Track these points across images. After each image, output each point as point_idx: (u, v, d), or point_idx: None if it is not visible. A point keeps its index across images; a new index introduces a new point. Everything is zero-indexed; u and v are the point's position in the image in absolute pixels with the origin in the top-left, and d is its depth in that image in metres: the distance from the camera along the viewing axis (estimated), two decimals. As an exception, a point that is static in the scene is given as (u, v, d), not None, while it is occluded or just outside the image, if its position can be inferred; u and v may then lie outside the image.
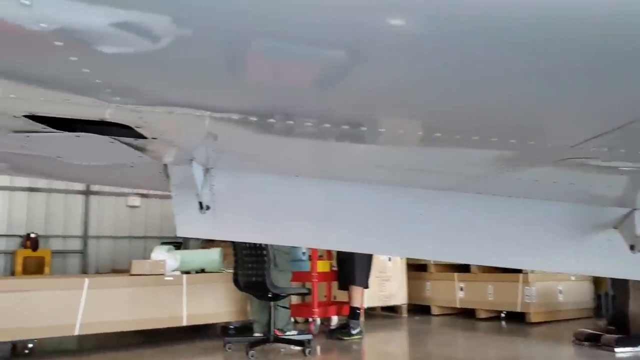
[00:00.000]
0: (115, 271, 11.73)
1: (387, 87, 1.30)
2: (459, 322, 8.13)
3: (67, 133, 1.54)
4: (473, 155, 1.69)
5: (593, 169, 1.75)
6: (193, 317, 6.38)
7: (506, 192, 2.23)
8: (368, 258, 6.79)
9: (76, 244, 12.74)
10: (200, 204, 1.90)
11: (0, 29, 0.91)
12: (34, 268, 11.43)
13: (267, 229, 2.31)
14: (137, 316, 6.02)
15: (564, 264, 2.45)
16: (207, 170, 1.93)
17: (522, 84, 1.16)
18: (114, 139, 1.59)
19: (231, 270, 7.01)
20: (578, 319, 7.86)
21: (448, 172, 1.99)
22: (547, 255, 2.40)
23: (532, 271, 7.57)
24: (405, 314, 8.74)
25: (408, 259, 8.92)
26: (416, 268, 9.21)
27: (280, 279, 6.03)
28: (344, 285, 6.88)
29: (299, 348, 5.59)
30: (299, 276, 7.07)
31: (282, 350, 5.82)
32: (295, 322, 7.45)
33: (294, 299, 7.47)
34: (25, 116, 1.43)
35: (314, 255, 6.96)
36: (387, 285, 8.51)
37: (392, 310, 8.88)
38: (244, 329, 6.88)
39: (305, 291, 6.35)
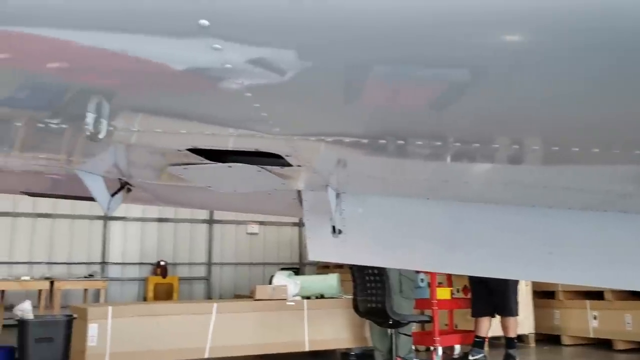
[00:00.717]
0: (238, 296, 12.19)
1: (520, 103, 1.27)
2: (594, 354, 7.54)
3: (221, 164, 1.65)
4: (622, 170, 1.59)
5: None
6: (314, 342, 6.45)
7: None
8: (516, 284, 6.63)
9: (201, 271, 13.42)
10: (334, 228, 1.94)
11: (189, 70, 1.02)
12: (164, 294, 12.17)
13: (395, 253, 2.31)
14: (261, 340, 6.19)
15: None
16: (338, 195, 1.98)
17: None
18: (262, 168, 1.69)
19: (350, 296, 7.04)
20: None
21: (589, 190, 1.88)
22: None
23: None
24: (532, 344, 8.26)
25: (534, 286, 8.46)
26: (543, 295, 8.70)
27: (405, 306, 5.97)
28: (481, 313, 6.67)
29: (422, 376, 5.45)
30: (418, 303, 6.94)
31: (404, 378, 5.71)
32: (416, 350, 7.29)
33: (414, 327, 7.33)
34: (187, 150, 1.56)
35: (433, 282, 6.81)
36: (512, 313, 8.09)
37: (518, 339, 8.43)
38: (365, 356, 6.83)
39: (426, 318, 6.22)
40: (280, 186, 1.91)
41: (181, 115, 1.35)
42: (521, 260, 2.42)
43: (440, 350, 6.66)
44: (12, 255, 11.38)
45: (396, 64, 1.06)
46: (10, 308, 9.99)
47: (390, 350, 6.27)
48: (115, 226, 12.53)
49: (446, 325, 7.58)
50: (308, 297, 6.75)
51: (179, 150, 1.58)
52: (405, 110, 1.26)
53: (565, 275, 2.58)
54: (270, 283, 7.52)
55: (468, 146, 1.51)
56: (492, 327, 6.88)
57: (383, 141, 1.41)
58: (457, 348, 7.27)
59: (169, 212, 13.08)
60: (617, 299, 7.65)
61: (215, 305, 6.11)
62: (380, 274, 5.58)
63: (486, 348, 6.86)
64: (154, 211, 12.85)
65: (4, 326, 8.44)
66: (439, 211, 2.18)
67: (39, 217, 11.68)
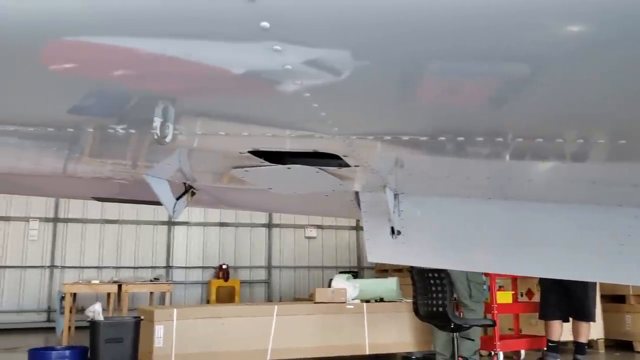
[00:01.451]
0: (298, 299, 12.29)
1: (586, 97, 1.23)
2: (671, 362, 7.15)
3: (280, 166, 1.69)
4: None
5: None
6: (375, 346, 6.42)
7: None
8: (595, 287, 6.40)
9: (261, 274, 13.62)
10: (392, 229, 1.93)
11: (250, 73, 1.05)
12: (226, 297, 12.41)
13: (456, 254, 2.27)
14: (321, 343, 6.22)
15: None
16: (396, 196, 1.97)
17: None
18: (320, 169, 1.71)
19: (409, 300, 6.97)
20: None
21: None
22: None
23: None
24: (602, 350, 7.92)
25: (603, 289, 8.12)
26: (613, 299, 8.33)
27: (477, 310, 5.88)
28: (552, 316, 6.46)
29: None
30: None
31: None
32: (480, 355, 7.13)
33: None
34: (249, 152, 1.60)
35: (493, 285, 6.64)
36: (579, 317, 7.79)
37: (587, 345, 8.09)
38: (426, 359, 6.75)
39: (490, 322, 6.07)
40: (338, 187, 1.92)
41: (243, 117, 1.38)
42: (589, 260, 2.34)
43: (501, 356, 6.49)
44: (83, 260, 11.91)
45: (456, 59, 1.05)
46: (81, 310, 10.46)
47: (453, 355, 6.16)
48: (178, 231, 12.90)
49: (509, 329, 7.37)
50: (367, 301, 6.73)
51: (240, 153, 1.62)
52: (465, 106, 1.25)
53: (636, 276, 2.47)
54: (329, 286, 7.56)
55: (532, 142, 1.48)
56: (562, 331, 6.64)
57: (442, 139, 1.39)
58: (523, 353, 7.06)
59: (229, 216, 13.36)
60: (695, 304, 7.24)
61: (275, 307, 6.18)
62: (441, 277, 5.49)
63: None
64: (215, 216, 13.15)
65: (76, 327, 8.83)
66: (502, 211, 2.14)
67: (106, 223, 12.17)
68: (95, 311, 4.62)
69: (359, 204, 2.10)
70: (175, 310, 5.78)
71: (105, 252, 12.12)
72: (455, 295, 5.90)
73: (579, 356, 6.26)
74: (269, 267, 13.67)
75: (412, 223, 2.01)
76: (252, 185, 2.01)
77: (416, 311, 5.83)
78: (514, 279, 7.41)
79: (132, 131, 1.48)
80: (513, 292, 7.06)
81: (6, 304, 11.21)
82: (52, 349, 4.71)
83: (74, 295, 8.52)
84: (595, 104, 1.26)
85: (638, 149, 1.50)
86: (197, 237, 13.11)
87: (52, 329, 10.62)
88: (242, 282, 12.97)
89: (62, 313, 9.10)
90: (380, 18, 0.88)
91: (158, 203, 2.98)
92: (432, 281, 5.58)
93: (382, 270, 13.11)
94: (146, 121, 1.28)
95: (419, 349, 6.67)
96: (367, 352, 6.36)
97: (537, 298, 7.27)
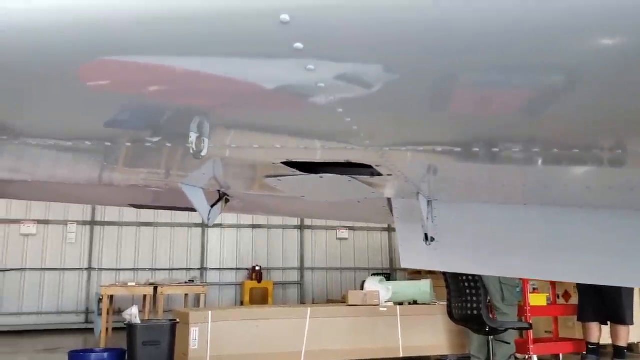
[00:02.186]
0: (331, 301, 12.30)
1: (621, 105, 1.21)
2: None
3: (313, 175, 1.70)
4: None
5: None
6: (408, 348, 6.39)
7: None
8: (631, 290, 6.25)
9: (294, 276, 13.67)
10: (426, 235, 1.92)
11: (285, 89, 1.06)
12: (259, 298, 12.50)
13: (491, 260, 2.25)
14: (355, 345, 6.21)
15: None
16: (429, 203, 1.97)
17: None
18: (353, 177, 1.72)
19: (443, 302, 6.91)
20: None
21: None
22: None
23: None
24: (644, 353, 7.71)
25: (643, 291, 7.90)
26: (654, 301, 8.09)
27: (509, 313, 5.80)
28: (590, 317, 6.33)
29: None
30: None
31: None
32: (516, 359, 7.02)
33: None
34: (282, 163, 1.62)
35: (526, 288, 6.53)
36: (619, 319, 7.60)
37: (627, 349, 7.89)
38: (463, 363, 6.68)
39: (525, 325, 5.98)
40: (370, 195, 1.92)
41: (277, 131, 1.40)
42: (626, 266, 2.29)
43: (535, 359, 6.38)
44: (119, 262, 12.16)
45: (490, 70, 1.04)
46: (118, 312, 10.67)
47: (488, 359, 6.09)
48: (212, 233, 13.05)
49: (546, 332, 7.24)
50: (401, 303, 6.70)
51: (274, 164, 1.64)
52: (499, 117, 1.24)
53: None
54: (361, 288, 7.54)
55: (569, 151, 1.46)
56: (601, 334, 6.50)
57: (477, 149, 1.38)
58: (562, 357, 6.93)
59: (262, 218, 13.45)
60: None
61: (309, 310, 6.21)
62: (475, 280, 5.44)
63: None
64: (248, 218, 13.26)
65: (114, 329, 9.02)
66: (538, 216, 2.11)
67: (142, 226, 12.40)
68: (132, 314, 4.71)
69: (391, 210, 2.10)
70: (210, 312, 5.85)
71: (141, 254, 12.35)
72: (488, 299, 5.83)
73: None
74: (301, 269, 13.72)
75: (446, 229, 2.00)
76: (284, 193, 2.03)
77: (450, 314, 5.78)
78: (552, 281, 7.28)
79: (169, 144, 1.51)
80: (548, 294, 6.93)
81: (46, 306, 11.52)
82: (91, 351, 4.82)
83: (111, 297, 8.70)
84: (631, 113, 1.23)
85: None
86: (231, 239, 13.25)
87: (91, 330, 10.86)
88: (275, 284, 13.04)
89: (100, 315, 9.31)
90: (411, 33, 0.89)
91: (193, 209, 3.03)
92: (466, 284, 5.53)
93: (415, 272, 13.00)
94: (183, 135, 1.31)
95: (454, 352, 6.61)
96: (401, 355, 6.33)
97: (574, 300, 7.13)
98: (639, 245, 2.18)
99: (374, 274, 10.83)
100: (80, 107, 1.29)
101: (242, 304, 12.55)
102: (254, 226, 13.40)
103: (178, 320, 5.19)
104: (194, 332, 5.66)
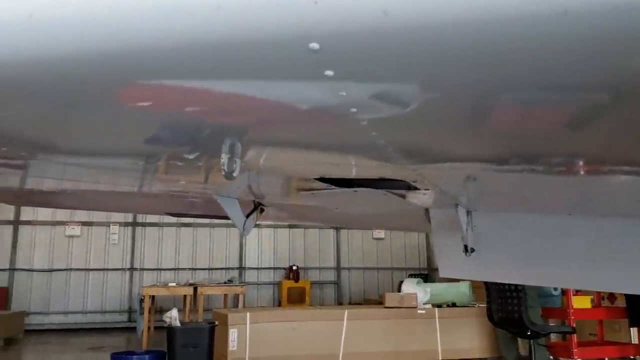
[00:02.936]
0: (368, 301, 12.26)
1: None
2: None
3: (347, 189, 1.69)
4: None
5: None
6: (447, 351, 6.31)
7: None
8: None
9: (330, 275, 13.68)
10: (465, 247, 1.88)
11: (317, 113, 1.06)
12: (296, 298, 12.55)
13: (533, 270, 2.19)
14: (393, 348, 6.18)
15: None
16: (468, 213, 1.92)
17: None
18: (388, 191, 1.69)
19: (482, 305, 6.80)
20: None
21: None
22: None
23: None
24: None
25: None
26: None
27: (531, 314, 5.67)
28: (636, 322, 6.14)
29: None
30: (550, 313, 6.51)
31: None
32: (554, 361, 6.86)
33: (553, 337, 6.89)
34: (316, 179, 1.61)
35: (569, 290, 6.35)
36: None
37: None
38: (498, 365, 6.57)
39: (568, 329, 5.84)
40: (406, 207, 1.89)
41: (312, 150, 1.39)
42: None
43: (578, 363, 6.21)
44: (160, 262, 12.39)
45: (529, 87, 1.01)
46: (160, 311, 10.89)
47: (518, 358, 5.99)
48: (250, 233, 13.15)
49: (591, 334, 7.04)
50: (439, 305, 6.62)
51: (307, 180, 1.63)
52: (540, 132, 1.20)
53: None
54: (399, 289, 7.46)
55: (615, 166, 1.41)
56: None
57: (517, 164, 1.35)
58: (606, 361, 6.73)
59: (298, 218, 13.49)
60: None
61: (346, 312, 6.19)
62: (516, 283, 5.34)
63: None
64: (284, 218, 13.31)
65: (155, 328, 9.20)
66: (582, 226, 2.04)
67: (182, 227, 12.61)
68: (172, 317, 4.79)
69: (429, 220, 2.07)
70: (248, 314, 5.90)
71: (181, 254, 12.56)
72: None
73: None
74: (337, 268, 13.72)
75: (486, 239, 1.96)
76: (319, 205, 2.02)
77: (490, 317, 5.69)
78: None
79: (203, 162, 1.52)
80: (592, 296, 6.73)
81: (91, 305, 11.84)
82: (133, 353, 4.92)
83: (153, 297, 8.87)
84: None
85: None
86: (268, 239, 13.35)
87: (133, 329, 11.11)
88: (312, 283, 13.09)
89: (142, 314, 9.50)
90: (438, 51, 0.87)
91: (228, 217, 3.06)
92: (507, 286, 5.43)
93: (454, 271, 12.88)
94: (217, 152, 1.32)
95: (491, 355, 6.50)
96: (440, 358, 6.26)
97: (619, 302, 6.91)
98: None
99: (410, 275, 10.73)
100: (123, 126, 1.32)
101: (279, 303, 12.64)
102: (290, 226, 13.46)
103: (217, 322, 5.25)
104: (233, 333, 5.72)
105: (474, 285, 7.23)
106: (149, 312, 8.61)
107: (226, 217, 2.99)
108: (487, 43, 0.87)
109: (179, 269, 12.38)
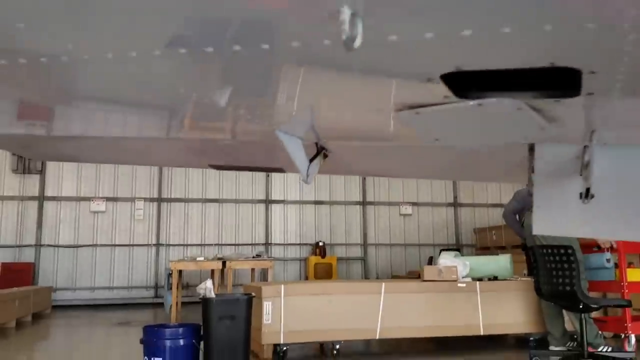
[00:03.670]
0: (396, 277, 12.01)
1: None
2: None
3: (468, 102, 1.31)
4: None
5: None
6: (489, 326, 6.02)
7: None
8: None
9: (357, 251, 13.46)
10: (587, 190, 1.53)
11: None
12: (323, 273, 12.38)
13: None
14: (433, 322, 5.91)
15: None
16: (583, 148, 1.57)
17: None
18: (525, 104, 1.33)
19: (525, 279, 6.49)
20: None
21: None
22: None
23: None
24: None
25: None
26: None
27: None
28: None
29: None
30: (602, 286, 6.19)
31: (600, 368, 5.11)
32: (603, 337, 6.54)
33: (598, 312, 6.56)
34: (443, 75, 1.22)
35: (622, 262, 6.01)
36: None
37: None
38: (545, 341, 6.27)
39: (624, 303, 5.50)
40: (537, 134, 1.48)
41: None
42: None
43: (633, 338, 5.89)
44: (186, 237, 12.26)
45: None
46: (186, 287, 10.75)
47: (564, 335, 5.70)
48: (275, 209, 12.96)
49: (634, 310, 6.70)
50: (480, 279, 6.32)
51: (429, 80, 1.19)
52: None
53: None
54: (429, 264, 7.17)
55: None
56: None
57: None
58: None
59: (324, 194, 13.28)
60: None
61: (383, 285, 5.93)
62: (568, 253, 5.01)
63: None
64: (310, 194, 13.11)
65: (183, 303, 9.05)
66: None
67: (207, 202, 12.43)
68: (207, 288, 4.56)
69: (531, 162, 1.71)
70: (282, 286, 5.66)
71: (207, 230, 12.41)
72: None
73: None
74: (364, 245, 13.50)
75: (604, 183, 1.61)
76: (411, 140, 1.68)
77: (538, 290, 5.38)
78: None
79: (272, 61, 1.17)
80: (645, 269, 6.38)
81: (117, 281, 11.77)
82: (166, 326, 4.72)
83: (180, 272, 8.70)
84: None
85: None
86: (294, 215, 13.15)
87: (160, 304, 11.02)
88: (338, 259, 12.90)
89: (170, 289, 9.36)
90: None
91: (276, 170, 2.77)
92: (557, 257, 5.11)
93: (483, 248, 12.52)
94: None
95: (537, 331, 6.20)
96: (482, 333, 5.98)
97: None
98: None
99: (443, 250, 10.41)
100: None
101: (306, 278, 12.46)
102: (316, 202, 13.23)
103: (254, 294, 5.02)
104: (267, 306, 5.49)
105: (515, 258, 6.92)
106: (177, 287, 8.45)
107: (273, 170, 2.71)
108: None
109: (205, 244, 12.24)
